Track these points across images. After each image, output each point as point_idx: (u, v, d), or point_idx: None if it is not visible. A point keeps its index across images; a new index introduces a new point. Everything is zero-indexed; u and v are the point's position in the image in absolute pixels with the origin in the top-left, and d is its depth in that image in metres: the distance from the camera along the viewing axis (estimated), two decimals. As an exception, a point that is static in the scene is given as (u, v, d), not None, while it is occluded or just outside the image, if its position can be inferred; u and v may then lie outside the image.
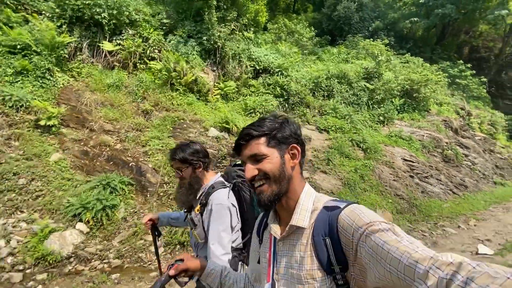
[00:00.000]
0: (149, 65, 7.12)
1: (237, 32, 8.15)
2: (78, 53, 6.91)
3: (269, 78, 8.31)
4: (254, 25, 9.36)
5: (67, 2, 6.62)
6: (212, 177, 1.68)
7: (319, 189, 5.45)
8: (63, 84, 6.19)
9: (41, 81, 5.82)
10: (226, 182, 1.66)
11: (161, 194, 4.41)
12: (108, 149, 5.13)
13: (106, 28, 7.05)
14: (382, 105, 9.55)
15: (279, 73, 8.39)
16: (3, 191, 3.84)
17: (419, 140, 8.67)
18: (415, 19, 17.32)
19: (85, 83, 6.54)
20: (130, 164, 4.77)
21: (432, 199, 6.55)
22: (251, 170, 0.81)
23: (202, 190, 1.64)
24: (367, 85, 9.27)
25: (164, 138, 5.46)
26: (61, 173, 4.43)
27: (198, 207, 1.60)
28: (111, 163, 4.86)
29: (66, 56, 6.57)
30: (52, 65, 6.04)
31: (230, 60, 7.84)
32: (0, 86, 5.29)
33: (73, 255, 3.22)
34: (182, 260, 1.01)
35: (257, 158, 0.82)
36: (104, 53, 7.14)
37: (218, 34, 7.33)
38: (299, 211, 0.80)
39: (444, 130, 9.81)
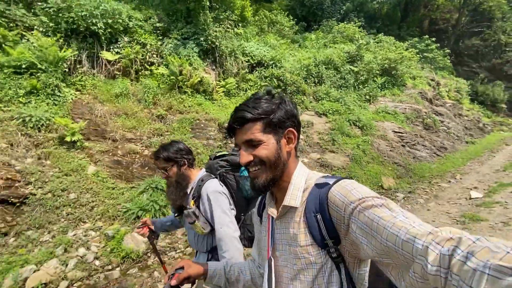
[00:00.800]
0: (154, 70, 7.29)
1: (229, 30, 8.45)
2: (78, 66, 6.90)
3: (264, 71, 8.78)
4: (242, 20, 9.67)
5: (60, 15, 6.55)
6: (198, 172, 1.74)
7: (331, 167, 6.16)
8: (72, 98, 6.24)
9: (52, 99, 5.86)
10: (212, 175, 1.69)
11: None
12: (138, 156, 5.43)
13: (103, 37, 7.06)
14: (366, 85, 10.43)
15: (273, 65, 8.88)
16: (59, 207, 4.09)
17: (403, 113, 9.69)
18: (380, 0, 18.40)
19: (93, 95, 6.61)
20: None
21: (422, 163, 7.57)
22: (246, 156, 0.81)
23: (191, 185, 1.69)
24: (352, 68, 10.05)
25: (188, 139, 5.82)
26: (103, 183, 4.71)
27: (192, 201, 1.65)
28: (146, 168, 5.18)
29: (67, 70, 6.57)
30: (59, 81, 6.06)
31: (228, 57, 8.18)
32: (16, 108, 5.31)
33: (149, 251, 3.64)
34: (182, 268, 0.99)
35: (252, 144, 0.80)
36: (103, 63, 7.18)
37: (215, 34, 7.62)
38: (291, 191, 0.81)
39: (421, 102, 10.96)
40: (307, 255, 0.77)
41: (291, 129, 0.82)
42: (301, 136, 5.58)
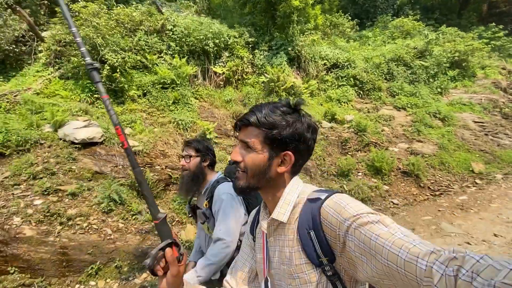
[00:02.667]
0: (251, 79, 8.73)
1: (309, 38, 9.57)
2: (194, 79, 8.60)
3: (340, 72, 9.72)
4: (315, 28, 10.74)
5: (183, 40, 8.29)
6: (215, 174, 1.80)
7: (422, 155, 6.88)
8: (197, 106, 7.90)
9: (187, 106, 7.54)
10: (228, 178, 1.76)
11: (322, 170, 6.03)
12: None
13: (211, 55, 8.68)
14: (436, 78, 10.75)
15: (348, 65, 9.77)
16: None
17: (478, 104, 9.85)
18: (439, -11, 17.97)
19: (209, 102, 8.22)
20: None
21: (508, 150, 7.85)
22: (236, 154, 0.83)
23: (207, 186, 1.75)
24: (422, 63, 10.48)
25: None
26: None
27: (206, 202, 1.70)
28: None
29: (188, 83, 8.27)
30: (190, 92, 7.75)
31: (309, 62, 9.31)
32: (167, 114, 7.04)
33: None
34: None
35: (247, 146, 0.81)
36: (211, 75, 8.80)
37: (301, 43, 8.81)
38: (281, 205, 0.80)
39: (496, 91, 10.89)
40: (301, 275, 0.75)
41: (289, 152, 0.80)
42: (385, 129, 6.61)
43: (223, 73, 8.76)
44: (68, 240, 3.23)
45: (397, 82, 9.91)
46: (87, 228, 3.45)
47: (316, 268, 0.73)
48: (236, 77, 8.82)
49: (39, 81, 5.99)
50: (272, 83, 8.10)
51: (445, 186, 5.84)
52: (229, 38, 8.99)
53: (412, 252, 0.52)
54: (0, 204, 3.23)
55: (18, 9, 6.27)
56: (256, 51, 9.26)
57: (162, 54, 8.15)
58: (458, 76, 11.44)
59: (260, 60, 8.96)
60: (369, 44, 13.13)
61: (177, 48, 8.31)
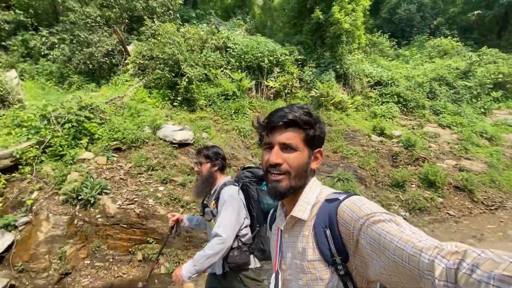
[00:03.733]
0: (300, 93, 9.44)
1: (356, 57, 10.19)
2: (249, 92, 9.45)
3: (384, 89, 10.19)
4: (358, 48, 11.38)
5: (242, 57, 9.21)
6: (224, 177, 1.93)
7: (471, 172, 7.13)
8: (252, 116, 8.67)
9: (245, 116, 8.34)
10: (235, 183, 1.90)
11: (377, 181, 6.49)
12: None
13: (265, 70, 9.52)
14: (479, 99, 10.89)
15: (392, 83, 10.23)
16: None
17: (524, 125, 9.86)
18: (478, 12, 18.05)
19: (262, 113, 8.98)
20: (341, 165, 6.94)
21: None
22: (277, 156, 0.80)
23: (216, 187, 1.88)
24: (466, 83, 10.71)
25: (347, 146, 7.57)
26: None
27: (213, 202, 1.84)
28: (325, 165, 7.06)
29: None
30: (247, 103, 8.57)
31: (355, 79, 9.89)
32: (230, 122, 7.85)
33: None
34: None
35: (288, 148, 0.80)
36: (263, 89, 9.62)
37: (349, 62, 9.44)
38: (301, 203, 0.82)
39: (544, 113, 10.81)
40: (313, 271, 0.76)
41: (321, 149, 0.84)
42: (432, 145, 7.04)
43: (274, 87, 9.54)
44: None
45: (439, 101, 10.20)
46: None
47: (328, 266, 0.74)
48: (286, 90, 9.57)
49: (130, 89, 7.03)
50: (322, 98, 8.74)
51: (499, 202, 6.06)
52: (281, 56, 9.82)
53: (416, 247, 0.53)
54: (134, 188, 4.05)
55: (115, 27, 7.45)
56: (305, 68, 10.00)
57: (221, 69, 9.10)
58: (502, 97, 11.49)
59: (309, 76, 9.67)
60: (406, 62, 13.51)
61: (236, 63, 9.23)
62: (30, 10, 7.95)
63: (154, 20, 8.68)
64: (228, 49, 9.39)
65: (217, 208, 1.79)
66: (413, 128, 8.94)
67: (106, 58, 7.77)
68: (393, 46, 14.34)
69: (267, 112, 9.11)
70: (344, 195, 0.77)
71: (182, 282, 1.58)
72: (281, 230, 0.88)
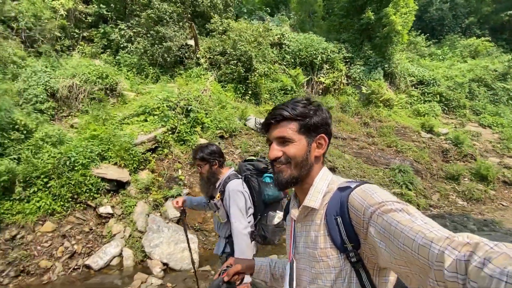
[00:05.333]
0: (348, 90, 10.05)
1: (403, 56, 10.71)
2: (300, 87, 10.09)
3: (426, 88, 10.75)
4: (403, 47, 11.85)
5: (297, 53, 9.82)
6: (227, 171, 1.98)
7: (514, 169, 7.77)
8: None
9: (302, 109, 9.01)
10: (238, 175, 1.96)
11: (432, 173, 7.20)
12: (370, 150, 8.09)
13: (316, 66, 10.13)
14: (516, 100, 11.39)
15: (434, 83, 10.77)
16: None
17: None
18: (510, 12, 18.12)
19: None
20: (397, 158, 7.64)
21: None
22: (275, 151, 0.84)
23: (220, 182, 1.95)
24: (505, 85, 11.20)
25: (399, 141, 8.24)
26: (357, 165, 7.42)
27: (218, 195, 1.92)
28: (382, 158, 7.77)
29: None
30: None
31: (401, 78, 10.45)
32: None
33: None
34: (231, 265, 1.06)
35: (284, 141, 0.83)
36: (313, 84, 10.25)
37: (397, 61, 9.99)
38: (312, 193, 0.83)
39: None
40: (325, 258, 0.78)
41: (323, 135, 0.85)
42: (476, 143, 7.73)
43: (325, 83, 10.16)
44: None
45: (479, 101, 10.75)
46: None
47: (340, 254, 0.76)
48: (334, 86, 10.19)
49: (206, 83, 7.74)
50: (373, 95, 9.36)
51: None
52: (331, 53, 10.39)
53: (427, 237, 0.52)
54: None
55: (192, 24, 8.10)
56: (353, 65, 10.57)
57: (276, 65, 9.72)
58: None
59: (357, 73, 10.25)
60: (440, 61, 13.94)
61: (291, 60, 9.85)
62: (111, 4, 8.59)
63: (215, 16, 9.28)
64: (283, 45, 9.98)
65: (221, 201, 1.89)
66: (455, 127, 9.54)
67: (180, 52, 8.45)
68: (428, 46, 14.67)
69: (318, 106, 9.77)
70: (356, 183, 0.77)
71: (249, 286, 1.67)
72: (294, 221, 0.91)
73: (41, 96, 5.03)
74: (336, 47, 10.76)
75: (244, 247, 1.75)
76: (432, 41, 17.87)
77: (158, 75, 8.28)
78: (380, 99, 9.43)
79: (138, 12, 8.56)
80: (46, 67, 5.65)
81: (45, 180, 3.78)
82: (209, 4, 9.36)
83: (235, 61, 7.86)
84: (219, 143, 5.32)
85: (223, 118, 5.93)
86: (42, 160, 3.85)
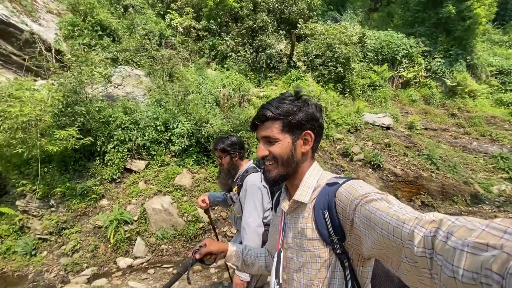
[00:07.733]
0: (428, 82, 10.52)
1: (482, 47, 10.90)
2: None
3: (506, 78, 10.87)
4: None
5: (379, 50, 10.46)
6: (246, 163, 1.95)
7: None
8: (390, 103, 10.01)
9: (391, 102, 9.69)
10: (257, 168, 1.91)
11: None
12: (465, 139, 8.61)
13: (397, 62, 10.70)
14: None
15: (515, 72, 10.85)
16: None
17: None
18: None
19: (396, 100, 10.26)
20: (494, 146, 8.12)
21: None
22: (262, 150, 0.89)
23: (238, 174, 1.93)
24: None
25: (493, 130, 8.65)
26: (457, 154, 7.99)
27: (235, 188, 1.91)
28: (479, 146, 8.28)
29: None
30: (390, 92, 9.91)
31: (482, 69, 10.69)
32: (379, 110, 9.28)
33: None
34: (205, 245, 1.11)
35: (269, 140, 0.87)
36: (393, 78, 10.84)
37: (481, 53, 10.25)
38: (302, 187, 0.87)
39: None
40: (312, 249, 0.82)
41: (308, 131, 0.87)
42: None
43: (406, 77, 10.71)
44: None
45: None
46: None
47: (326, 245, 0.80)
48: (415, 80, 10.70)
49: (309, 84, 8.71)
50: (459, 87, 9.78)
51: None
52: (411, 48, 10.87)
53: (400, 219, 0.56)
54: (394, 158, 5.74)
55: (293, 32, 9.09)
56: (432, 59, 10.97)
57: (361, 62, 10.44)
58: None
59: (437, 66, 10.66)
60: (507, 46, 13.67)
61: (374, 57, 10.52)
62: (218, 19, 9.85)
63: (301, 20, 10.18)
64: (365, 44, 10.67)
65: (238, 195, 1.88)
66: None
67: (277, 57, 9.51)
68: (497, 33, 14.44)
69: (401, 100, 10.37)
70: (344, 179, 0.81)
71: (245, 284, 1.68)
72: (285, 212, 0.95)
73: (212, 103, 6.32)
74: (413, 41, 11.20)
75: (254, 246, 1.78)
76: (495, 27, 17.40)
77: (259, 80, 9.43)
78: (466, 90, 9.82)
79: (238, 24, 9.73)
80: (203, 78, 6.96)
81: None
82: (297, 11, 10.29)
83: (333, 62, 8.74)
84: (349, 137, 6.28)
85: (344, 115, 6.88)
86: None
